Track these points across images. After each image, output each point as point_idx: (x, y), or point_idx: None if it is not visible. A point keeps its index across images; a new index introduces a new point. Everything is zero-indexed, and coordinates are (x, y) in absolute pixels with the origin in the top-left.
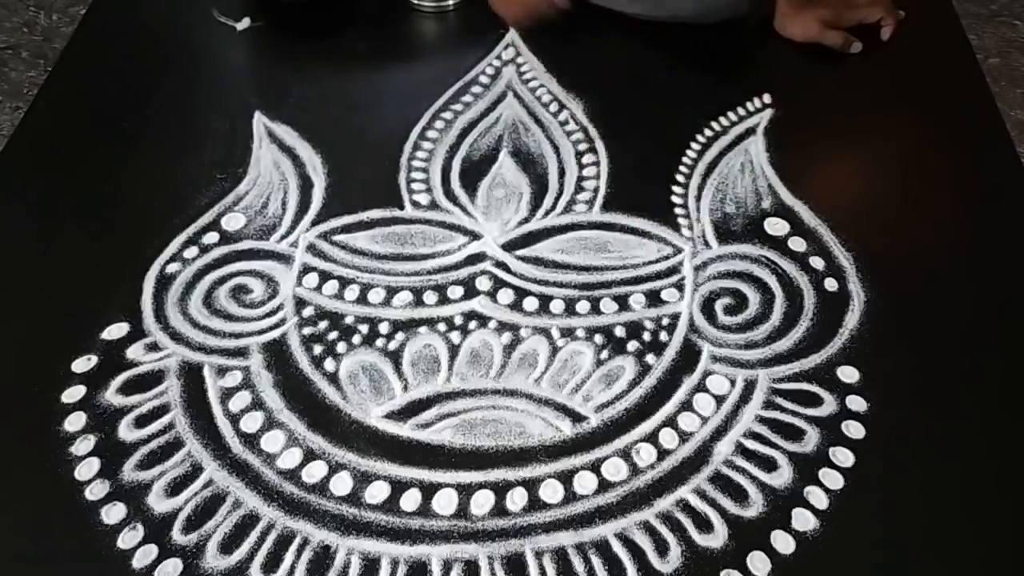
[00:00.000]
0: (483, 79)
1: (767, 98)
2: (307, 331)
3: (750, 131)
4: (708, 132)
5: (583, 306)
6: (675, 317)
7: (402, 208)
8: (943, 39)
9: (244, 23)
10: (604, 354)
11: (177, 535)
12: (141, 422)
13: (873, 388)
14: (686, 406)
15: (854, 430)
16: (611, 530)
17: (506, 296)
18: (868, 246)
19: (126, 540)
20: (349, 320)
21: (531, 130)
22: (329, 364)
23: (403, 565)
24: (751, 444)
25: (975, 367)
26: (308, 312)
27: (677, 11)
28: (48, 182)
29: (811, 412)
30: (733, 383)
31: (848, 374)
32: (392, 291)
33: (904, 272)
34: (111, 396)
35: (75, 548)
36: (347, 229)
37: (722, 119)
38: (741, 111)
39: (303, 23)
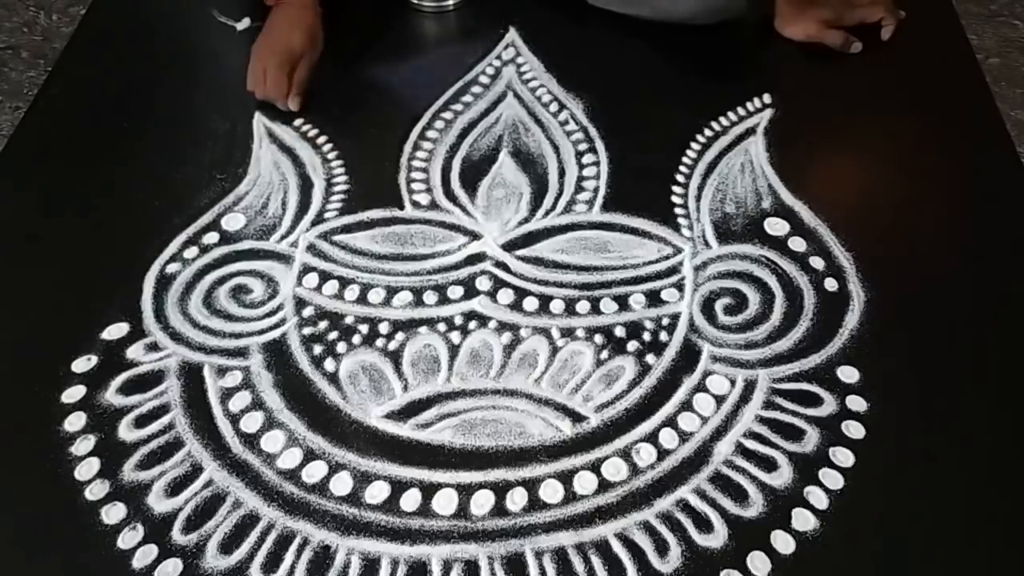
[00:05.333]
0: (483, 79)
1: (767, 98)
2: (307, 331)
3: (750, 131)
4: (708, 132)
5: (583, 306)
6: (675, 317)
7: (402, 208)
8: (943, 39)
9: (244, 23)
10: (604, 354)
11: (177, 535)
12: (141, 422)
13: (873, 388)
14: (686, 406)
15: (854, 430)
16: (611, 530)
17: (506, 296)
18: (868, 246)
19: (126, 540)
20: (349, 320)
21: (531, 130)
22: (329, 364)
23: (403, 565)
24: (751, 444)
25: (975, 367)
26: (308, 312)
27: (674, 13)
28: (48, 182)
29: (811, 412)
30: (733, 383)
31: (848, 374)
32: (392, 291)
33: (904, 272)
34: (111, 396)
35: (75, 548)
36: (347, 229)
37: (722, 119)
38: (741, 111)
39: None
